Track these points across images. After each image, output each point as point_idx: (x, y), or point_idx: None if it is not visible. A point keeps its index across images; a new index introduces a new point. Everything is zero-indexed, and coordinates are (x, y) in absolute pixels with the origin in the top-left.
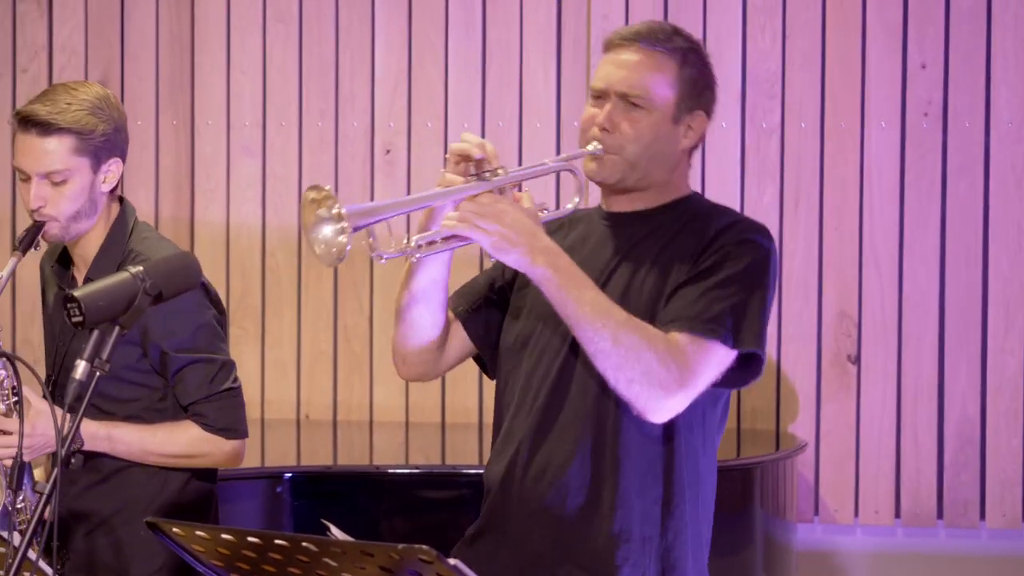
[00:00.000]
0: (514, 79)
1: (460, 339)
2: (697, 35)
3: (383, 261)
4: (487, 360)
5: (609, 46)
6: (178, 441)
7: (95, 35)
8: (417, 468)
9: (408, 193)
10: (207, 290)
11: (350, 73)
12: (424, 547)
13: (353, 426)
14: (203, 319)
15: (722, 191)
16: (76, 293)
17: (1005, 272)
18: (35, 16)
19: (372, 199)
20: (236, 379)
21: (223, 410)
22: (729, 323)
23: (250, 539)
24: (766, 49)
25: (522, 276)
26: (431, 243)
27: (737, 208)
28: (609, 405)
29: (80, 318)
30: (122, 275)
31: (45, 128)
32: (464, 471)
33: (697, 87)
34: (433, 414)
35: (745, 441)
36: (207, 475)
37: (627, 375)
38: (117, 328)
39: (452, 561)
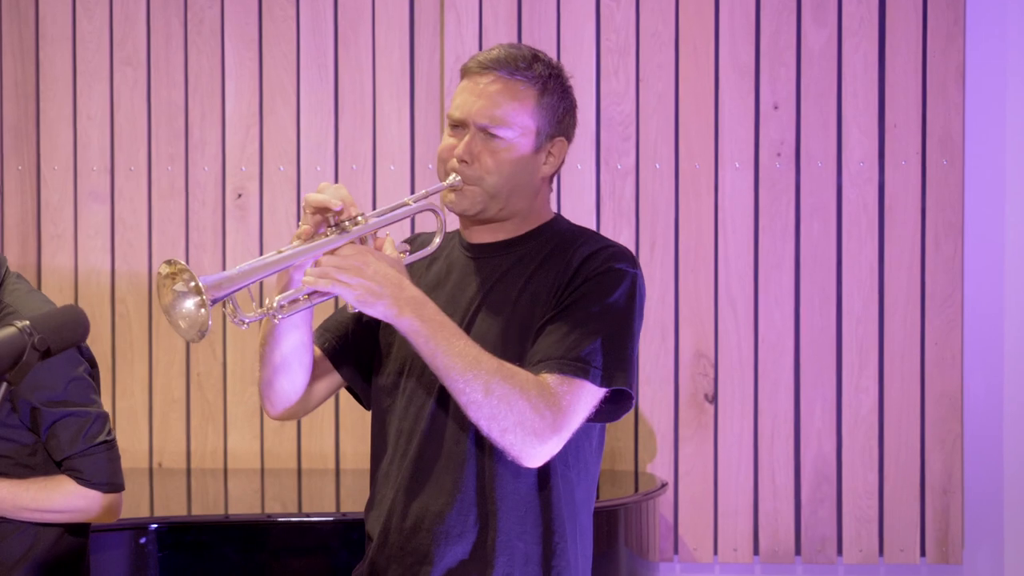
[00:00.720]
0: (367, 122)
1: (328, 375)
2: None
3: (245, 326)
4: (360, 393)
5: (467, 72)
6: (52, 497)
7: None
8: (301, 516)
9: (261, 241)
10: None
11: (200, 117)
12: None
13: (207, 474)
14: (74, 372)
15: None
16: None
17: (858, 312)
18: None
19: (224, 244)
20: (111, 432)
21: (98, 464)
22: (598, 360)
23: None
24: (620, 91)
25: None
26: (293, 302)
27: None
28: (484, 450)
29: None
30: (9, 330)
31: None
32: (325, 519)
33: (557, 114)
34: (289, 460)
35: (605, 482)
36: (79, 529)
37: (500, 425)
38: (5, 384)
39: None
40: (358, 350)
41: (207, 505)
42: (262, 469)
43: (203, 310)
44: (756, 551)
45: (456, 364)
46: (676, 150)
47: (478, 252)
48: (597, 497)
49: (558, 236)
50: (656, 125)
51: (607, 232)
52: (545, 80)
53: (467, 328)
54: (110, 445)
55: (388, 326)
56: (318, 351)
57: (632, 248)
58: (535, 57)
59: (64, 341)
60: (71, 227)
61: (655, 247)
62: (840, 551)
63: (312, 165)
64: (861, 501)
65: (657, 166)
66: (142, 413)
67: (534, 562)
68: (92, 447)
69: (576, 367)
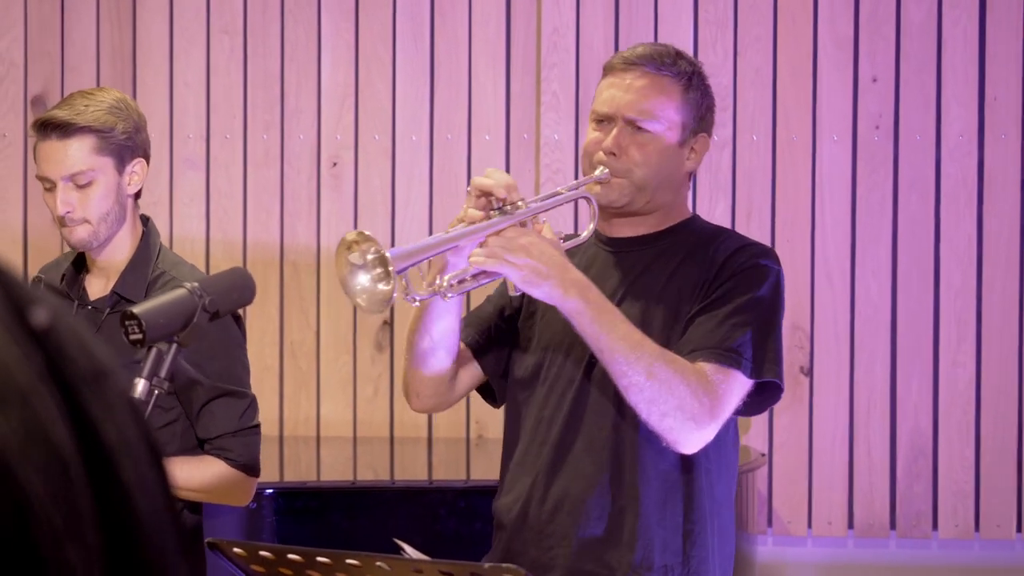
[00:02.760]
0: (463, 91)
1: (471, 368)
2: None
3: (416, 303)
4: (496, 389)
5: (611, 70)
6: (204, 475)
7: (35, 48)
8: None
9: (356, 210)
10: (239, 323)
11: (296, 86)
12: (512, 566)
13: (300, 441)
14: (239, 352)
15: None
16: (136, 311)
17: (957, 285)
18: None
19: (319, 212)
20: (258, 415)
21: (248, 447)
22: (749, 352)
23: (319, 559)
24: (718, 63)
25: (528, 305)
26: (461, 281)
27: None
28: (626, 435)
29: (140, 336)
30: (179, 292)
31: (64, 130)
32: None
33: (700, 110)
34: (381, 429)
35: None
36: (195, 507)
37: (660, 408)
38: (175, 346)
39: None
40: (499, 345)
41: (299, 472)
42: (354, 437)
43: (384, 284)
44: (851, 525)
45: (620, 346)
46: (773, 122)
47: (619, 246)
48: None
49: (699, 232)
50: (753, 97)
51: (703, 203)
52: (690, 76)
53: None
54: (258, 430)
55: (528, 318)
56: (462, 344)
57: (728, 220)
58: (679, 54)
59: (233, 303)
60: (167, 194)
61: (751, 219)
62: (935, 525)
63: (407, 135)
64: (957, 476)
65: (754, 138)
66: None
67: (672, 550)
68: (245, 429)
69: (730, 357)
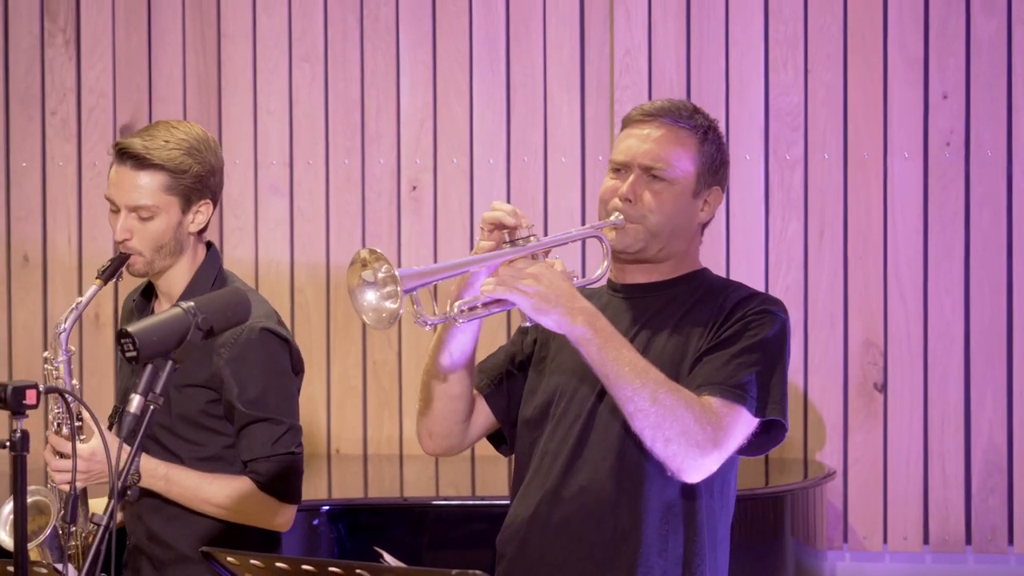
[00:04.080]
0: (539, 115)
1: (484, 415)
2: (720, 70)
3: (428, 327)
4: (507, 436)
5: (630, 122)
6: (230, 493)
7: (123, 77)
8: (448, 499)
9: (435, 233)
10: (290, 350)
11: (376, 111)
12: (477, 572)
13: (383, 460)
14: (279, 379)
15: (747, 223)
16: (130, 328)
17: None
18: (63, 59)
19: (399, 235)
20: (300, 446)
21: (280, 472)
22: (754, 391)
23: (304, 567)
24: (788, 83)
25: (539, 350)
26: (472, 308)
27: (762, 239)
28: (630, 466)
29: (134, 353)
30: (174, 311)
31: (139, 162)
32: (498, 503)
33: (715, 163)
34: None
35: (774, 470)
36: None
37: (665, 434)
38: (170, 363)
39: None
40: (510, 392)
41: (383, 489)
42: (436, 456)
43: (391, 301)
44: (926, 540)
45: (626, 372)
46: (844, 140)
47: (631, 292)
48: (766, 483)
49: (709, 282)
50: (824, 115)
51: (776, 222)
52: (705, 130)
53: None
54: (295, 457)
55: (538, 365)
56: (474, 391)
57: (801, 238)
58: (696, 110)
59: (227, 321)
60: (251, 220)
61: (823, 237)
62: (1011, 540)
63: (485, 158)
64: None
65: (826, 156)
66: (320, 401)
67: None
68: (278, 455)
69: (735, 393)
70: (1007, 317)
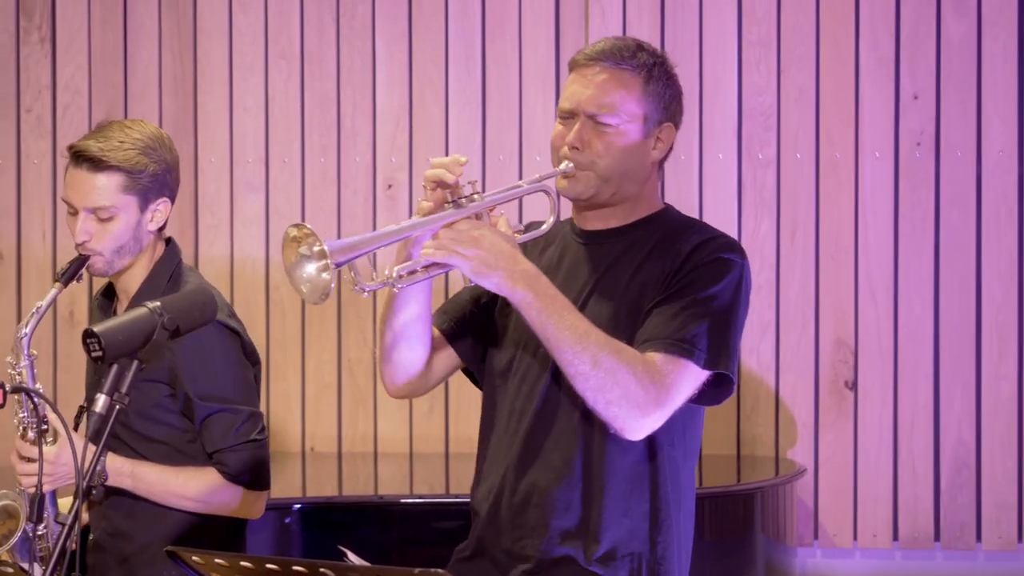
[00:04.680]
0: (514, 114)
1: (447, 355)
2: (694, 70)
3: (365, 294)
4: (476, 373)
5: (575, 65)
6: (198, 485)
7: (98, 75)
8: (422, 497)
9: None
10: (241, 340)
11: (352, 109)
12: (440, 571)
13: (358, 458)
14: (232, 369)
15: (719, 221)
16: (96, 329)
17: (998, 300)
18: (39, 57)
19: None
20: (263, 431)
21: (245, 460)
22: (703, 344)
23: (268, 565)
24: (761, 83)
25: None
26: (412, 272)
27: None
28: (594, 427)
29: (99, 353)
30: (140, 311)
31: (96, 164)
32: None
33: (663, 100)
34: (437, 444)
35: (745, 467)
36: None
37: (606, 396)
38: (136, 362)
39: None
40: (475, 331)
41: (357, 487)
42: (411, 453)
43: (326, 274)
44: (896, 537)
45: (566, 336)
46: (817, 140)
47: (590, 238)
48: (737, 481)
49: (667, 225)
50: (797, 116)
51: (748, 221)
52: (650, 68)
53: (580, 312)
54: (259, 444)
55: (504, 308)
56: (436, 332)
57: (773, 237)
58: (639, 47)
59: (193, 321)
60: (227, 217)
61: (796, 236)
62: (979, 537)
63: (460, 155)
64: (1000, 487)
65: (798, 156)
66: (295, 398)
67: (639, 538)
68: (241, 443)
69: (681, 348)
70: (976, 316)
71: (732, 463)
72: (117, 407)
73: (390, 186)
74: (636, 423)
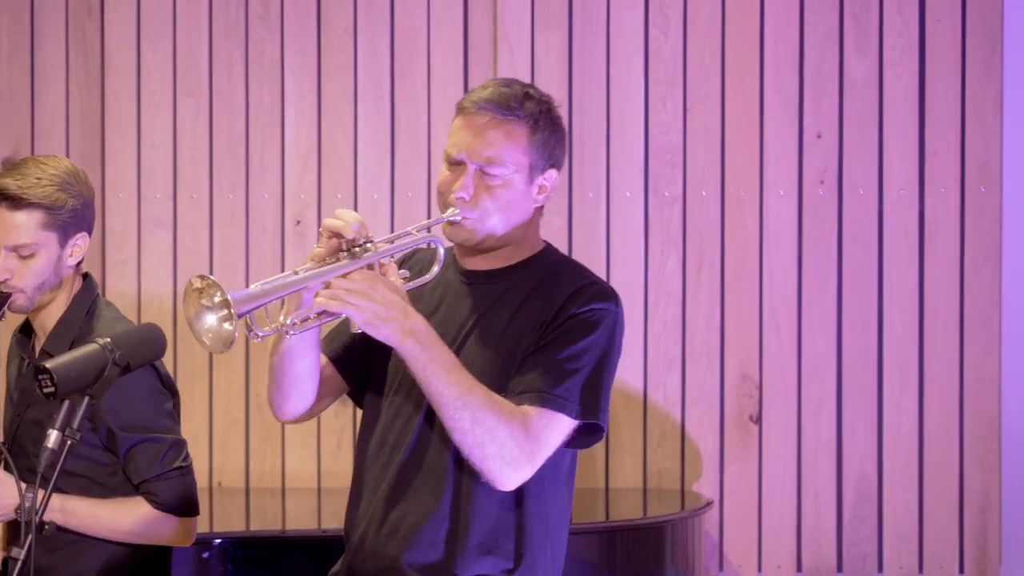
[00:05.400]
0: (422, 151)
1: (334, 381)
2: (601, 108)
3: (259, 340)
4: (360, 396)
5: (462, 110)
6: (128, 517)
7: (5, 111)
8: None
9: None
10: (157, 371)
11: (260, 146)
12: None
13: (266, 493)
14: (153, 398)
15: (626, 259)
16: (48, 364)
17: (899, 335)
18: None
19: (283, 270)
20: (187, 458)
21: (173, 488)
22: (576, 396)
23: None
24: (668, 121)
25: None
26: (304, 320)
27: (641, 275)
28: (462, 468)
29: (52, 389)
30: (91, 347)
31: (15, 202)
32: None
33: (548, 147)
34: (344, 479)
35: (651, 500)
36: (159, 549)
37: (483, 452)
38: (87, 398)
39: None
40: (360, 358)
41: (266, 522)
42: (319, 488)
43: (228, 324)
44: (799, 567)
45: (449, 393)
46: (722, 178)
47: (472, 278)
48: (644, 514)
49: (546, 267)
50: (703, 154)
51: (655, 257)
52: (536, 117)
53: (457, 352)
54: (185, 471)
55: None
56: (323, 358)
57: (679, 274)
58: (526, 94)
59: (143, 357)
60: (135, 253)
61: (701, 272)
62: (881, 567)
63: (369, 193)
64: (901, 519)
65: (703, 194)
66: (202, 434)
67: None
68: (167, 472)
69: (556, 402)
70: (877, 352)
71: (639, 496)
72: (68, 443)
73: (298, 223)
74: (508, 477)
